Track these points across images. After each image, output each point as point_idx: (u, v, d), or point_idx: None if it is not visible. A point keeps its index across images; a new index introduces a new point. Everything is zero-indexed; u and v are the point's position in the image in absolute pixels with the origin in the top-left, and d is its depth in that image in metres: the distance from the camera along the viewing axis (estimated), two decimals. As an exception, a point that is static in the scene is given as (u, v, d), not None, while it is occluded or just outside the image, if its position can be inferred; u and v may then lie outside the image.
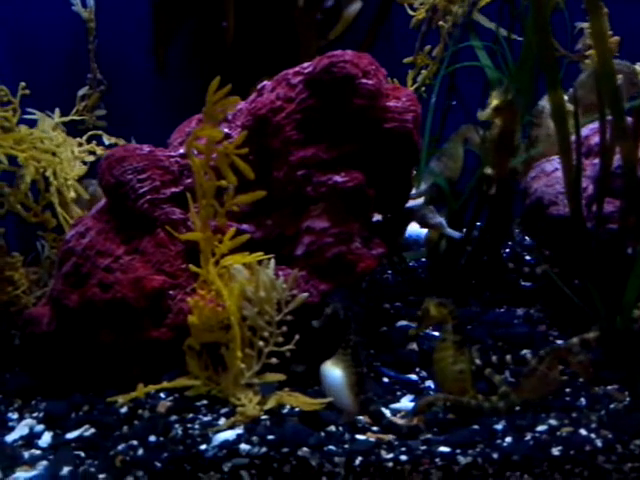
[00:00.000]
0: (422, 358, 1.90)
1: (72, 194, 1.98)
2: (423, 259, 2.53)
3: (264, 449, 1.42)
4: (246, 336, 1.56)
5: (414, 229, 2.70)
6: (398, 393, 1.77)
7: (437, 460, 1.44)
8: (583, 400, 1.63)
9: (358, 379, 1.56)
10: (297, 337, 1.57)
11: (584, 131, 1.99)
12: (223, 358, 1.61)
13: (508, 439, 1.50)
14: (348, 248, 1.71)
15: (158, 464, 1.43)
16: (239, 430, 1.47)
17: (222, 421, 1.52)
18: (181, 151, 1.83)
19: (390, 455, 1.45)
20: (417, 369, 1.88)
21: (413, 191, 2.19)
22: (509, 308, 2.13)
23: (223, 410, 1.57)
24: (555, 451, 1.44)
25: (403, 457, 1.44)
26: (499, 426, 1.56)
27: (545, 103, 2.08)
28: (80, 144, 2.09)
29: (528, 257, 2.47)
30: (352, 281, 1.73)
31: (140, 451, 1.47)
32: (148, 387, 1.63)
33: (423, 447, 1.49)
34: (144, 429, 1.53)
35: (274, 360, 1.55)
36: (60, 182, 1.92)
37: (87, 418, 1.64)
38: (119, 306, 1.71)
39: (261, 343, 1.55)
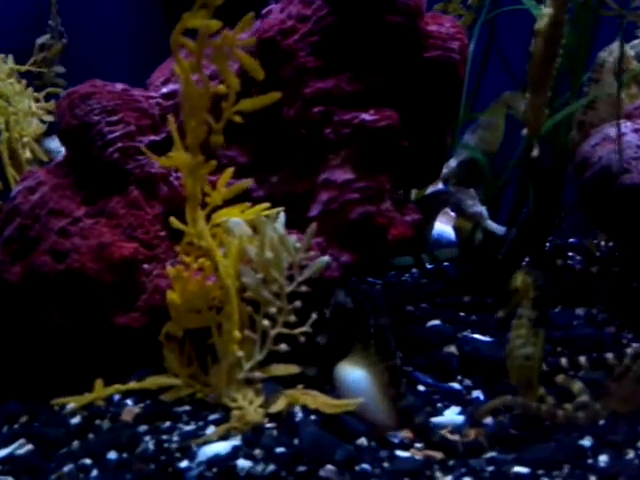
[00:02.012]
0: (464, 364, 1.50)
1: (27, 154, 1.57)
2: (446, 261, 2.15)
3: (272, 467, 0.99)
4: (245, 314, 1.15)
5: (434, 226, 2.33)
6: (439, 405, 1.36)
7: (514, 485, 1.03)
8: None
9: (391, 377, 1.15)
10: (314, 317, 1.16)
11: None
12: (212, 350, 1.20)
13: (603, 458, 1.10)
14: (378, 208, 1.32)
15: (118, 489, 1.00)
16: (235, 441, 1.05)
17: (211, 430, 1.09)
18: (164, 90, 1.45)
19: (449, 478, 1.03)
20: (459, 377, 1.48)
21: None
22: (564, 308, 1.75)
23: (212, 416, 1.14)
24: (678, 473, 1.04)
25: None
26: (586, 442, 1.16)
27: (607, 55, 1.74)
28: (37, 100, 1.70)
29: (570, 253, 2.10)
30: (382, 252, 1.33)
31: (94, 472, 1.04)
32: (110, 388, 1.20)
33: (490, 468, 1.08)
34: (101, 444, 1.10)
35: (283, 347, 1.14)
36: (14, 136, 1.52)
37: (24, 431, 1.20)
38: (76, 280, 1.29)
39: (266, 322, 1.14)
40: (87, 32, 2.22)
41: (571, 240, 2.24)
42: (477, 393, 1.44)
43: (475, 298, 1.88)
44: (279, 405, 1.09)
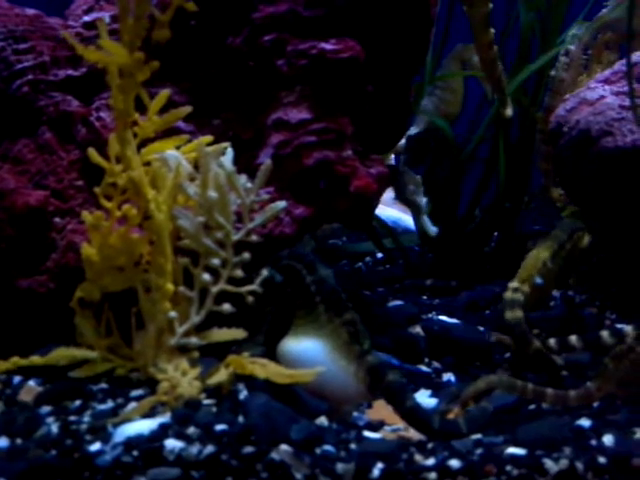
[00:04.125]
0: (432, 345, 1.32)
1: None
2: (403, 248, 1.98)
3: (210, 448, 0.77)
4: (180, 266, 0.93)
5: (390, 214, 2.16)
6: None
7: (509, 468, 0.84)
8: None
9: (351, 332, 0.94)
10: (265, 274, 0.95)
11: (633, 57, 1.53)
12: (138, 318, 0.98)
13: (608, 438, 0.92)
14: (338, 155, 1.12)
15: (7, 481, 0.76)
16: (163, 418, 0.82)
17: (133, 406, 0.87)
18: (86, 19, 1.23)
19: (431, 461, 0.83)
20: (426, 359, 1.29)
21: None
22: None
23: (136, 393, 0.92)
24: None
25: (454, 463, 0.83)
26: (585, 422, 0.98)
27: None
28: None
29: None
30: (342, 206, 1.13)
31: (-22, 464, 0.80)
32: (6, 362, 0.96)
33: (479, 450, 0.88)
34: (-8, 428, 0.86)
35: (227, 307, 0.93)
36: None
37: None
38: (-33, 233, 1.05)
39: (206, 277, 0.93)
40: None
41: (536, 227, 2.11)
42: (448, 376, 1.26)
43: (438, 281, 1.71)
44: (220, 376, 0.87)
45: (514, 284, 1.33)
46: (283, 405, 0.83)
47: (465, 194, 1.78)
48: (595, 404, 1.07)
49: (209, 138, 0.99)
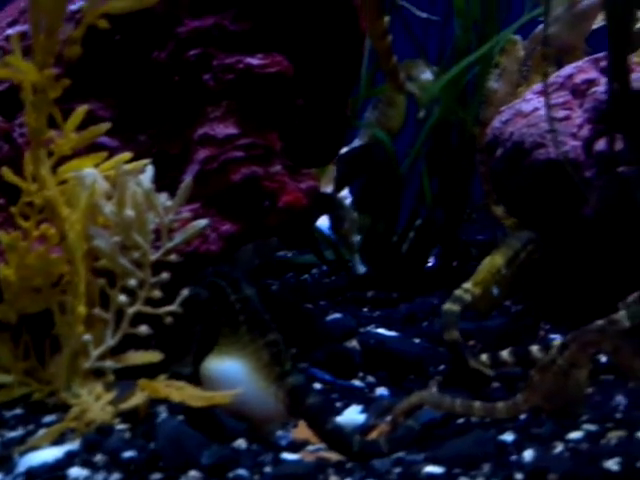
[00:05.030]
0: (367, 359, 1.31)
1: None
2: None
3: (116, 476, 0.75)
4: (96, 287, 0.92)
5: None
6: (338, 403, 1.16)
7: (426, 488, 0.84)
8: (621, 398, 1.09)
9: (272, 354, 0.93)
10: (185, 293, 0.94)
11: (566, 69, 1.55)
12: (56, 340, 0.95)
13: (528, 453, 0.93)
14: (266, 170, 1.11)
15: None
16: (71, 445, 0.80)
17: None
18: (10, 32, 1.20)
19: (347, 483, 0.83)
20: (360, 373, 1.29)
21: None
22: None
23: (49, 418, 0.89)
24: (612, 464, 0.88)
25: (370, 485, 0.82)
26: (509, 436, 0.99)
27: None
28: None
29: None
30: (271, 222, 1.12)
31: None
32: None
33: (398, 469, 0.88)
34: None
35: (144, 329, 0.91)
36: None
37: None
38: None
39: (123, 298, 0.91)
40: None
41: (479, 237, 2.13)
42: (381, 390, 1.25)
43: (379, 293, 1.72)
44: (134, 400, 0.85)
45: (467, 285, 1.35)
46: (194, 430, 0.81)
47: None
48: (522, 417, 1.08)
49: (128, 155, 0.97)
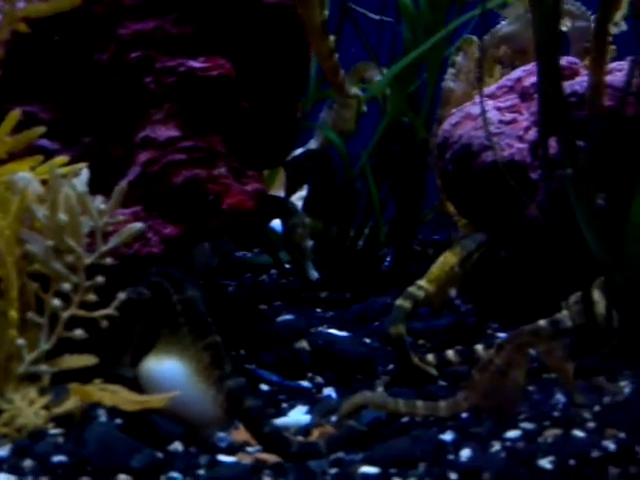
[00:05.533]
0: (316, 359, 1.32)
1: None
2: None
3: (45, 480, 0.76)
4: (30, 291, 0.91)
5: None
6: (284, 405, 1.17)
7: (360, 488, 0.85)
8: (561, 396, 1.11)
9: (212, 356, 0.93)
10: (122, 296, 0.94)
11: (516, 72, 1.58)
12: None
13: (466, 452, 0.94)
14: (209, 173, 1.12)
15: None
16: (2, 451, 0.80)
17: (-28, 441, 0.84)
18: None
19: (281, 484, 0.83)
20: (309, 374, 1.30)
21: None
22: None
23: (-21, 425, 0.89)
24: (545, 463, 0.90)
25: (304, 485, 0.83)
26: (446, 436, 1.00)
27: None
28: None
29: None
30: (214, 225, 1.13)
31: None
32: None
33: (334, 470, 0.89)
34: None
35: (79, 333, 0.91)
36: None
37: None
38: None
39: (57, 302, 0.91)
40: None
41: (435, 237, 2.15)
42: (328, 391, 1.26)
43: (333, 294, 1.73)
44: (68, 404, 0.85)
45: (420, 282, 1.37)
46: (126, 433, 0.81)
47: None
48: (464, 415, 1.10)
49: (64, 159, 0.97)
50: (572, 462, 0.90)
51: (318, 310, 1.65)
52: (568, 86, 1.47)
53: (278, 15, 1.21)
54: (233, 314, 1.55)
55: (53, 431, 0.85)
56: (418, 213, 1.81)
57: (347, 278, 1.71)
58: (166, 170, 1.10)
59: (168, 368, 0.94)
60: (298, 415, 1.14)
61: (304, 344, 1.39)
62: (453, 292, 1.45)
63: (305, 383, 1.28)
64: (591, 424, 0.99)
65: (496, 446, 0.97)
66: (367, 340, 1.44)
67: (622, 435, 0.93)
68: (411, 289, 1.35)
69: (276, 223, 1.83)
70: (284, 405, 1.18)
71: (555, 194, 1.17)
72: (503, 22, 1.79)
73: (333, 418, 1.10)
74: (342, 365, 1.31)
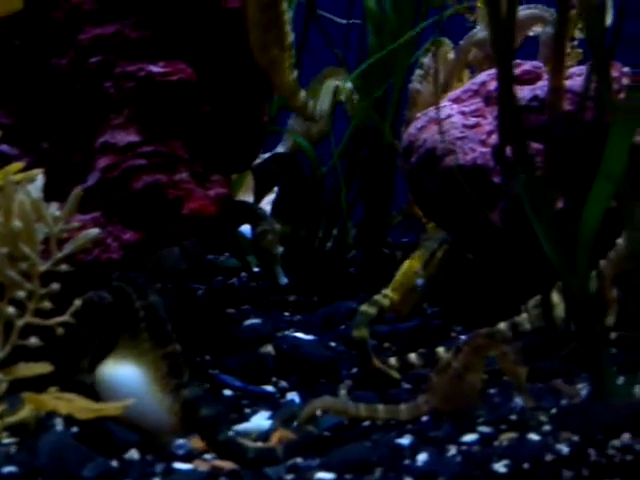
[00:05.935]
0: (281, 364, 1.32)
1: None
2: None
3: (-6, 492, 0.75)
4: (-17, 299, 0.90)
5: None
6: (247, 410, 1.17)
7: (315, 494, 0.85)
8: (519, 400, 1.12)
9: (170, 365, 0.94)
10: (78, 303, 0.93)
11: (481, 76, 1.59)
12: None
13: (422, 457, 0.95)
14: (170, 178, 1.11)
15: None
16: (-51, 463, 0.79)
17: None
18: None
19: (234, 491, 0.83)
20: (274, 378, 1.30)
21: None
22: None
23: None
24: (500, 467, 0.91)
25: (258, 492, 0.83)
26: (404, 440, 1.01)
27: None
28: None
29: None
30: (176, 230, 1.12)
31: None
32: None
33: (290, 476, 0.89)
34: None
35: (34, 341, 0.90)
36: None
37: None
38: None
39: (11, 310, 0.90)
40: None
41: (404, 240, 2.16)
42: (292, 395, 1.26)
43: (301, 297, 1.73)
44: (22, 414, 0.85)
45: (385, 291, 1.39)
46: (80, 442, 0.81)
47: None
48: (424, 419, 1.10)
49: (19, 165, 0.96)
50: (526, 466, 0.91)
51: (286, 314, 1.65)
52: (530, 90, 1.50)
53: (241, 19, 1.21)
54: (200, 318, 1.55)
55: (6, 440, 0.84)
56: (386, 216, 1.82)
57: (315, 281, 1.72)
58: (126, 175, 1.09)
59: (124, 373, 0.94)
60: (260, 420, 1.14)
61: (269, 348, 1.39)
62: (420, 282, 1.46)
63: (269, 388, 1.28)
64: (547, 427, 1.01)
65: (452, 450, 0.97)
66: (333, 344, 1.44)
67: (575, 438, 0.95)
68: (377, 297, 1.37)
69: (245, 228, 1.83)
70: (247, 410, 1.17)
71: (515, 199, 1.18)
72: (478, 27, 1.81)
73: (294, 423, 1.11)
74: (306, 369, 1.31)
